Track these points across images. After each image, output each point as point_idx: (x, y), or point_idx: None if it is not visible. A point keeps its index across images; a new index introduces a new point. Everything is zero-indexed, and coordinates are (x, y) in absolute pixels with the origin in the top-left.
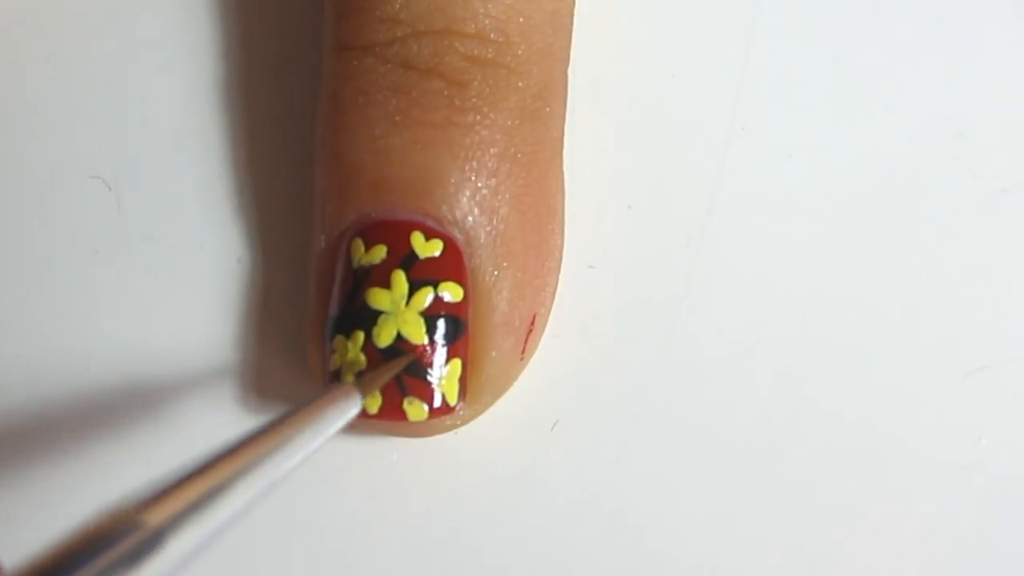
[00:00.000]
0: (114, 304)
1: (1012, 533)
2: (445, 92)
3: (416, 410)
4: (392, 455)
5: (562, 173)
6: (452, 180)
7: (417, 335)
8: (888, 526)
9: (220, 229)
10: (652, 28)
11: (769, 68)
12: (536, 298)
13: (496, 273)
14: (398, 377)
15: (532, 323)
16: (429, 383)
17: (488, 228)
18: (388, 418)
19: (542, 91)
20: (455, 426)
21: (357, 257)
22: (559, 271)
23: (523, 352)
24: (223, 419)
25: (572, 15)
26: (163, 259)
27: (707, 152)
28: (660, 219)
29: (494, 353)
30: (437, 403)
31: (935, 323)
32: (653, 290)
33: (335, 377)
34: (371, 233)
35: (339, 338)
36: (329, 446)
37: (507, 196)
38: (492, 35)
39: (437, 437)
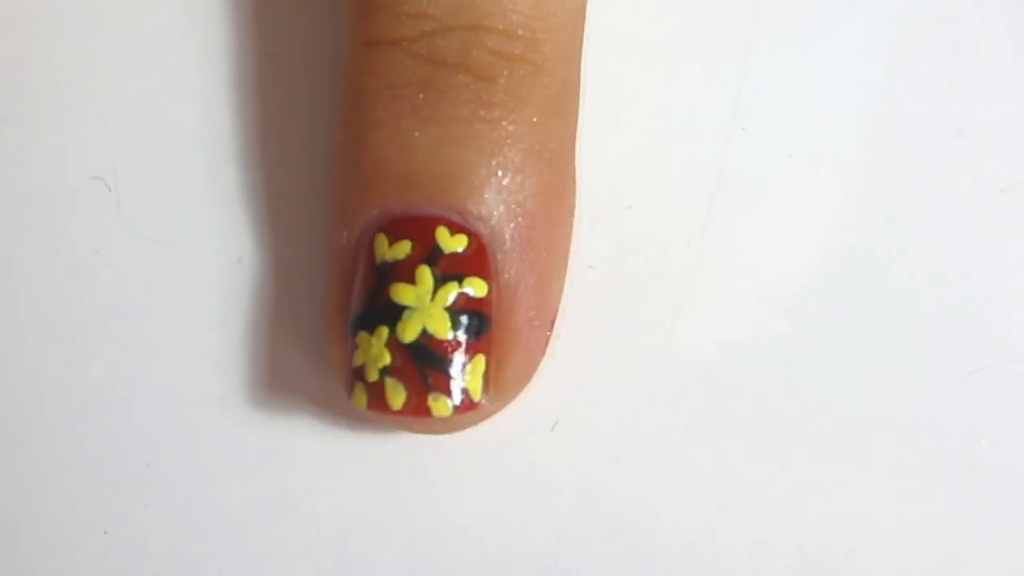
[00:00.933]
0: (114, 304)
1: (1012, 533)
2: (472, 87)
3: (441, 406)
4: (390, 454)
5: (575, 171)
6: (479, 175)
7: (442, 330)
8: (888, 526)
9: (221, 229)
10: (652, 28)
11: (769, 68)
12: (557, 294)
13: (523, 269)
14: (423, 372)
15: (553, 319)
16: (454, 378)
17: (513, 224)
18: (413, 414)
19: (564, 88)
20: (475, 423)
21: (380, 252)
22: (567, 266)
23: (545, 347)
24: (222, 418)
25: (585, 14)
26: (163, 259)
27: (707, 152)
28: (660, 219)
29: (520, 349)
30: (462, 399)
31: (935, 323)
32: (653, 290)
33: (359, 373)
34: (395, 228)
35: (362, 334)
36: (326, 445)
37: (532, 193)
38: (520, 31)
39: (433, 436)
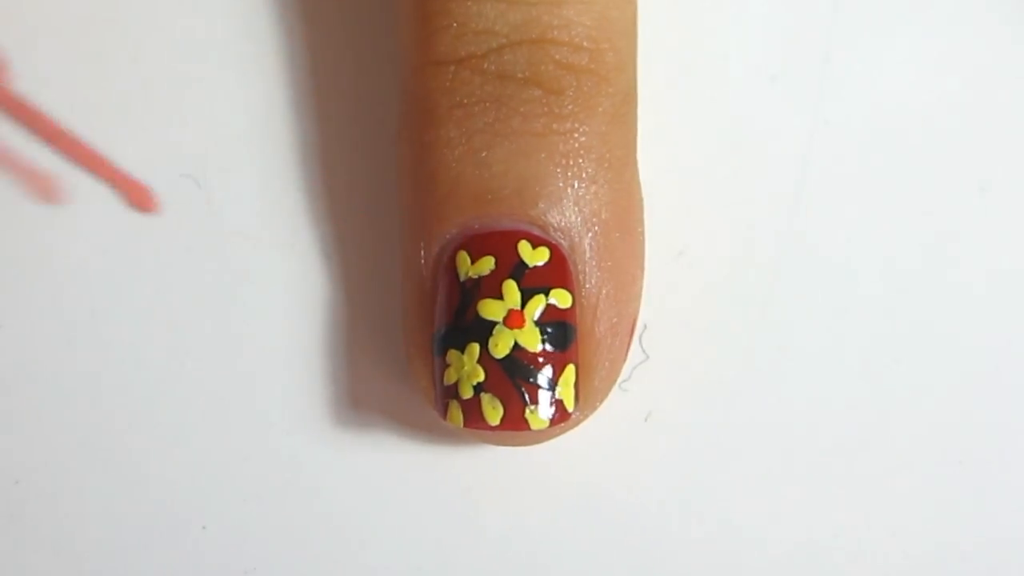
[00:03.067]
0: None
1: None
2: (543, 101)
3: (538, 418)
4: (473, 466)
5: (639, 174)
6: (556, 187)
7: (533, 343)
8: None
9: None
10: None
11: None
12: (635, 299)
13: (602, 277)
14: (517, 386)
15: (633, 324)
16: (548, 391)
17: (591, 234)
18: (511, 428)
19: (625, 97)
20: (564, 432)
21: (463, 270)
22: (644, 270)
23: (627, 353)
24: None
25: (638, 20)
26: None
27: (790, 144)
28: (747, 210)
29: (604, 357)
30: (557, 410)
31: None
32: (742, 281)
33: (452, 391)
34: (477, 245)
35: (453, 352)
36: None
37: (605, 201)
38: (584, 43)
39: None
